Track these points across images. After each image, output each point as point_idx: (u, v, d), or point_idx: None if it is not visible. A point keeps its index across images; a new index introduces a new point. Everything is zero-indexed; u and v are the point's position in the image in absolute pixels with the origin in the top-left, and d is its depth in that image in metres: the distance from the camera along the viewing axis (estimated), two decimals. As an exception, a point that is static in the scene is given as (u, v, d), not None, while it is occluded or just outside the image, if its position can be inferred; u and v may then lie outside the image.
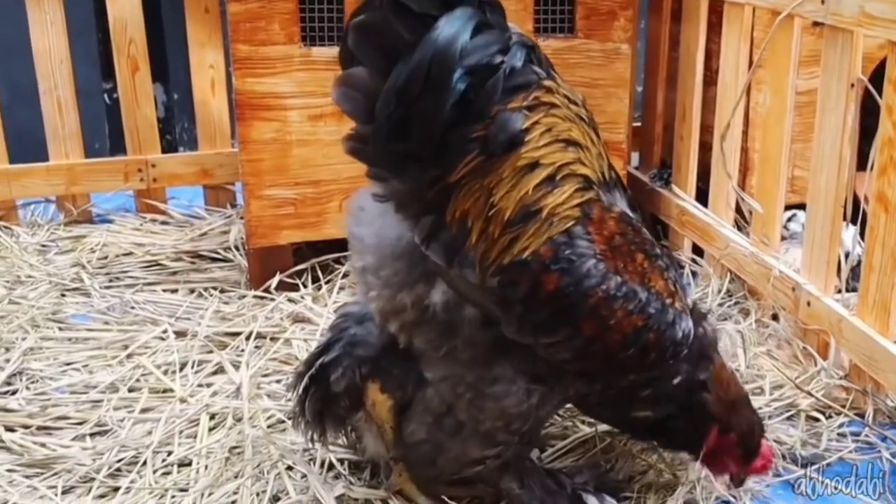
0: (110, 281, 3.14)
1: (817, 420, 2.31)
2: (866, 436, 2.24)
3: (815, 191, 2.47)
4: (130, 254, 3.31)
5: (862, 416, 2.30)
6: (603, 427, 2.23)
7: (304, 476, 2.14)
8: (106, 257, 3.28)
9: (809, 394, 2.35)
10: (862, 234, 2.40)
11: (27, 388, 2.51)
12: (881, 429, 2.25)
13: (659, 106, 3.48)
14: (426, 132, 1.65)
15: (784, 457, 2.20)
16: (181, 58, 4.12)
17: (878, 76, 2.30)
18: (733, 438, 1.94)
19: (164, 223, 3.60)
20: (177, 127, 4.46)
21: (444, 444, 1.90)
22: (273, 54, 2.83)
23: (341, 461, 2.20)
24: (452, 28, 1.61)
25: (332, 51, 2.81)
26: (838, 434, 2.27)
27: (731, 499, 2.09)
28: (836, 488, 2.10)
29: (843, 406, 2.33)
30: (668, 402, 1.91)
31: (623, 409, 1.96)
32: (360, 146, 1.73)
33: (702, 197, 3.13)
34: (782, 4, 2.50)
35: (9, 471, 2.18)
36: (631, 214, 1.84)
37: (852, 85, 2.32)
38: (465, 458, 1.91)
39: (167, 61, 4.26)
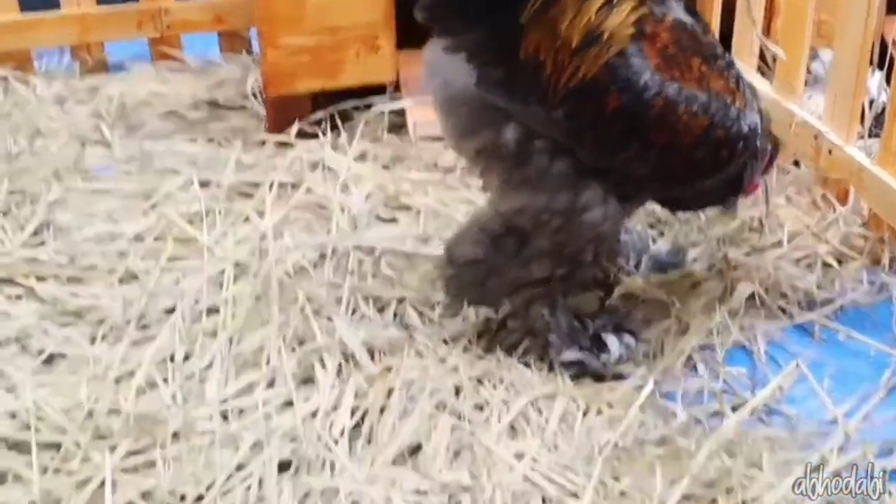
0: (129, 131, 3.17)
1: (833, 267, 2.37)
2: (882, 282, 2.29)
3: (842, 37, 2.46)
4: (147, 103, 3.33)
5: (878, 262, 2.35)
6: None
7: (330, 319, 2.22)
8: (124, 106, 3.30)
9: (826, 241, 2.39)
10: (888, 80, 2.40)
11: (55, 240, 2.58)
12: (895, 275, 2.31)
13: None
14: None
15: (800, 303, 2.27)
16: None
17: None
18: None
19: (179, 71, 3.60)
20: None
21: (501, 264, 2.01)
22: None
23: (367, 300, 2.29)
24: None
25: None
26: (854, 280, 2.33)
27: (746, 343, 2.17)
28: (849, 334, 2.18)
29: (860, 253, 2.38)
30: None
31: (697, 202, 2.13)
32: (437, 10, 1.87)
33: (724, 41, 3.10)
34: None
35: (42, 319, 2.27)
36: (686, 20, 1.90)
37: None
38: (524, 279, 2.02)
39: None
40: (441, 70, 1.94)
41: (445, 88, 1.95)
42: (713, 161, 1.90)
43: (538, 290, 2.05)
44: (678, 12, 1.91)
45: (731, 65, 1.92)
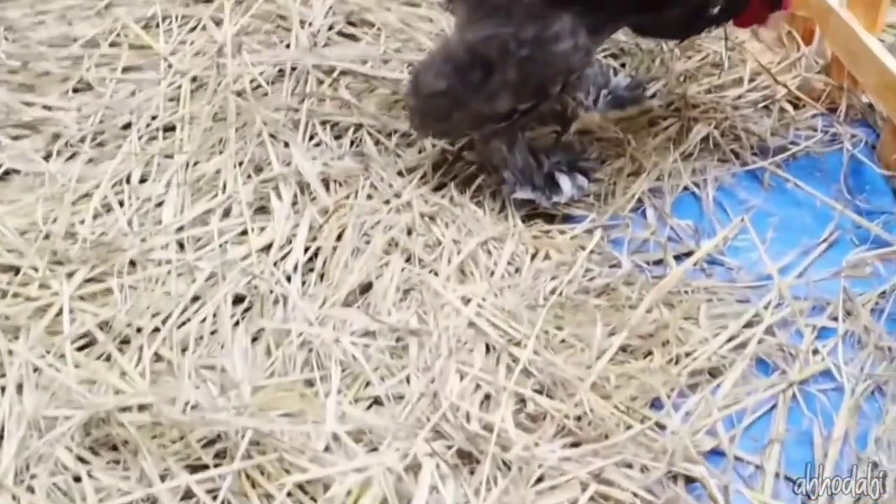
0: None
1: (788, 112, 2.37)
2: (835, 132, 2.31)
3: None
4: None
5: (834, 111, 2.37)
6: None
7: (286, 145, 2.23)
8: None
9: (785, 86, 2.39)
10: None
11: (6, 39, 2.52)
12: (850, 127, 2.32)
13: None
14: None
15: (753, 148, 2.29)
16: None
17: None
18: None
19: None
20: None
21: (465, 97, 2.00)
22: None
23: (325, 125, 2.29)
24: None
25: None
26: (808, 127, 2.35)
27: (696, 189, 2.21)
28: (796, 184, 2.22)
29: (818, 99, 2.39)
30: None
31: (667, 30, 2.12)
32: None
33: None
34: None
35: (-3, 129, 2.26)
36: None
37: None
38: (488, 112, 2.02)
39: None
40: None
41: None
42: None
43: (501, 124, 2.05)
44: None
45: None
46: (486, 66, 1.97)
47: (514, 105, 2.00)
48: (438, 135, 2.19)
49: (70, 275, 1.94)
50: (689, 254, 2.05)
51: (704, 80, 2.46)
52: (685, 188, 2.21)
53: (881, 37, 2.30)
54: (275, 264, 1.97)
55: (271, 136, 2.24)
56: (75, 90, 2.41)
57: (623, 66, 2.52)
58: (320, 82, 2.40)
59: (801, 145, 2.29)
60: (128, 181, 2.16)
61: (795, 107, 2.39)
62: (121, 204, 2.11)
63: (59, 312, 1.88)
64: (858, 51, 2.28)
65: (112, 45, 2.53)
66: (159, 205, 2.11)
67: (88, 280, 1.95)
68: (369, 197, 2.12)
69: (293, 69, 2.43)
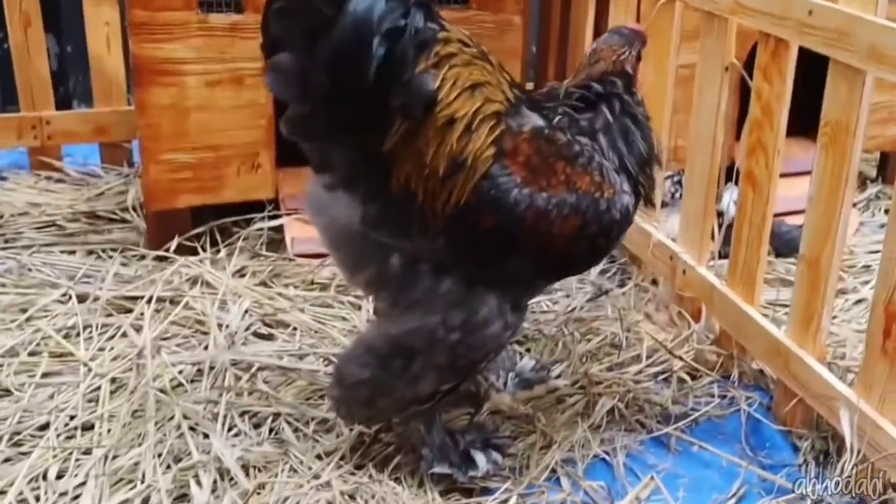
0: (5, 242, 3.18)
1: (687, 382, 2.52)
2: (731, 396, 2.45)
3: (692, 166, 2.66)
4: (26, 213, 3.35)
5: (728, 377, 2.52)
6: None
7: (206, 436, 2.27)
8: (1, 216, 3.31)
9: (681, 358, 2.55)
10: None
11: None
12: (744, 390, 2.47)
13: (550, 71, 3.63)
14: (355, 97, 1.85)
15: (657, 416, 2.41)
16: (75, 8, 4.12)
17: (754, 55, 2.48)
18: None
19: (59, 181, 3.63)
20: (71, 80, 4.45)
21: (389, 384, 2.07)
22: (171, 20, 2.89)
23: (243, 415, 2.34)
24: None
25: (230, 18, 2.95)
26: (707, 394, 2.49)
27: (606, 456, 2.29)
28: (701, 446, 2.32)
29: (712, 369, 2.55)
30: None
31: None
32: (299, 125, 1.93)
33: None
34: (665, -12, 2.67)
35: (-90, 436, 2.26)
36: (542, 124, 2.00)
37: (726, 68, 2.50)
38: (413, 396, 2.08)
39: (60, 11, 4.24)
40: (325, 208, 2.03)
41: (331, 227, 2.04)
42: (592, 251, 2.03)
43: (424, 406, 2.12)
44: (534, 119, 2.01)
45: (591, 158, 1.99)
46: (408, 353, 2.06)
47: (437, 387, 2.08)
48: (364, 421, 2.25)
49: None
50: (603, 517, 2.10)
51: (605, 359, 2.60)
52: (595, 456, 2.28)
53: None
54: (194, 549, 1.95)
55: (191, 428, 2.28)
56: (-7, 397, 2.44)
57: (528, 350, 2.66)
58: (238, 378, 2.48)
59: (702, 410, 2.42)
60: (44, 477, 2.15)
61: (692, 377, 2.54)
62: (37, 499, 2.09)
63: None
64: (742, 322, 2.47)
65: (31, 354, 2.59)
66: (76, 498, 2.10)
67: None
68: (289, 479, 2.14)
69: (212, 368, 2.51)
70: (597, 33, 3.24)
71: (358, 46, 1.81)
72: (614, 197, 1.98)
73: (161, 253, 3.05)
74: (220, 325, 2.68)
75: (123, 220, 3.33)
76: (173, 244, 3.06)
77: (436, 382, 2.07)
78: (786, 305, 2.52)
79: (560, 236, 1.94)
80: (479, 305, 1.99)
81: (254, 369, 2.50)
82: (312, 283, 2.92)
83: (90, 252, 3.14)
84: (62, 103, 3.83)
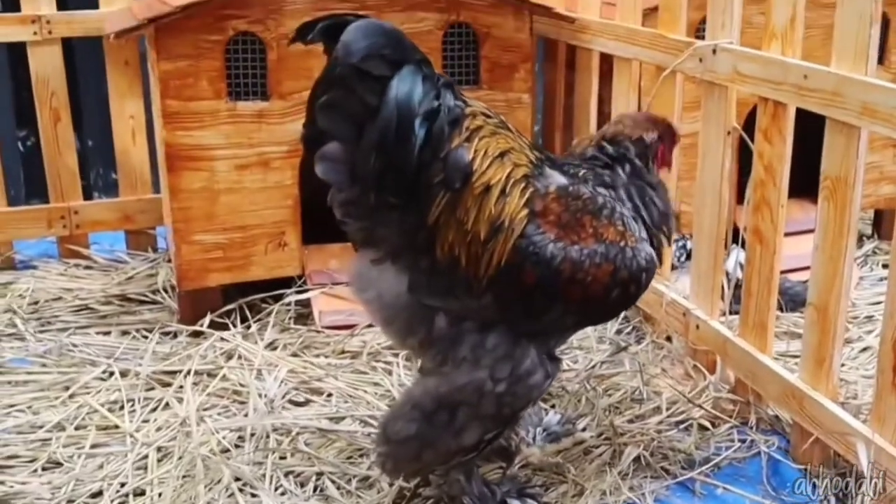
0: (43, 325, 3.32)
1: (708, 429, 2.65)
2: (750, 440, 2.58)
3: (699, 227, 2.82)
4: (60, 298, 3.50)
5: (746, 423, 2.65)
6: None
7: (255, 495, 2.38)
8: (37, 302, 3.46)
9: (700, 406, 2.69)
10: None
11: (-27, 430, 2.69)
12: (763, 434, 2.60)
13: (557, 147, 3.82)
14: (402, 177, 2.02)
15: (681, 462, 2.53)
16: (96, 105, 4.34)
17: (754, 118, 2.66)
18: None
19: (87, 268, 3.79)
20: (91, 173, 4.64)
21: (434, 437, 2.19)
22: (201, 109, 3.07)
23: (288, 475, 2.46)
24: (406, 84, 1.98)
25: (256, 105, 3.12)
26: (727, 439, 2.61)
27: (637, 501, 2.40)
28: (725, 488, 2.44)
29: (731, 416, 2.68)
30: None
31: None
32: (350, 208, 2.10)
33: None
34: (666, 61, 2.85)
35: (-30, 509, 2.37)
36: (565, 182, 2.18)
37: (728, 133, 2.69)
38: (457, 447, 2.20)
39: (81, 107, 4.44)
40: (373, 283, 2.18)
41: (380, 300, 2.18)
42: (625, 296, 2.16)
43: (468, 455, 2.24)
44: (557, 178, 2.19)
45: (613, 210, 2.17)
46: (452, 407, 2.18)
47: (481, 436, 2.21)
48: (410, 475, 2.36)
49: None
50: (638, 558, 2.21)
51: (627, 412, 2.73)
52: (626, 502, 2.40)
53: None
54: None
55: (240, 489, 2.40)
56: (44, 469, 2.55)
57: (553, 406, 2.78)
58: (279, 442, 2.60)
59: (723, 455, 2.54)
60: (103, 540, 2.26)
61: (712, 424, 2.66)
62: (98, 561, 2.20)
63: None
64: (757, 370, 2.61)
65: (78, 427, 2.71)
66: (135, 559, 2.21)
67: None
68: (337, 532, 2.26)
69: (253, 434, 2.63)
70: (600, 108, 3.45)
71: (402, 130, 1.98)
72: (637, 245, 2.15)
73: (195, 328, 3.19)
74: (258, 395, 2.80)
75: (154, 301, 3.47)
76: (206, 321, 3.20)
77: (480, 432, 2.19)
78: (796, 356, 2.67)
79: (595, 283, 2.09)
80: (523, 357, 2.14)
81: (294, 433, 2.63)
82: (343, 351, 3.06)
83: (124, 332, 3.27)
84: (84, 196, 4.00)
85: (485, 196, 2.07)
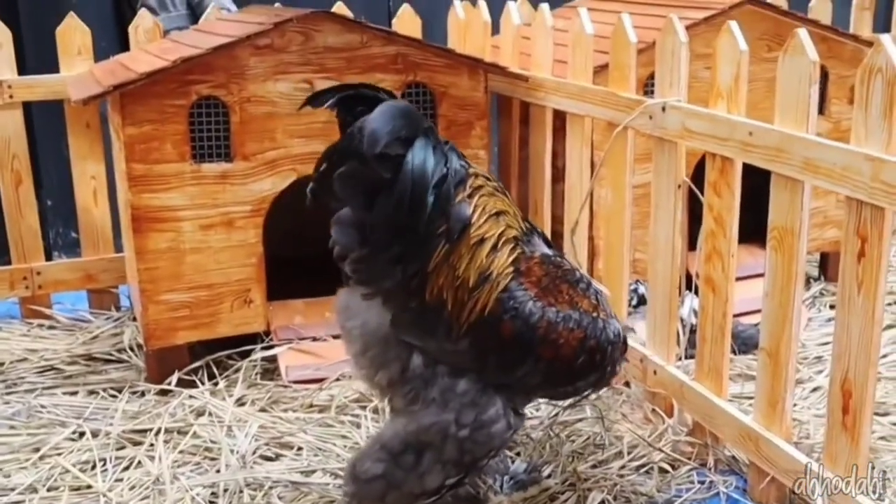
0: (9, 387, 3.36)
1: (668, 472, 2.76)
2: (710, 481, 2.69)
3: (654, 275, 2.95)
4: (25, 360, 3.53)
5: (705, 464, 2.76)
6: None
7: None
8: (2, 364, 3.49)
9: (660, 450, 2.80)
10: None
11: (-53, 495, 2.71)
12: (721, 475, 2.72)
13: (513, 197, 3.93)
14: (411, 241, 2.17)
15: (643, 506, 2.64)
16: (55, 165, 4.39)
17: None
18: None
19: (51, 328, 3.83)
20: (51, 232, 4.68)
21: (400, 479, 2.30)
22: (166, 171, 3.15)
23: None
24: (420, 157, 2.14)
25: (220, 166, 3.20)
26: (687, 481, 2.72)
27: (605, 545, 2.50)
28: (687, 529, 2.55)
29: (690, 458, 2.79)
30: None
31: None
32: (361, 266, 2.23)
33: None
34: (617, 118, 2.99)
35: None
36: (549, 252, 2.37)
37: (679, 186, 2.82)
38: (420, 490, 2.31)
39: (40, 168, 4.48)
40: (359, 313, 2.31)
41: (363, 328, 2.30)
42: (590, 364, 2.30)
43: (429, 499, 2.34)
44: (542, 247, 2.37)
45: (589, 284, 2.35)
46: (419, 449, 2.30)
47: (443, 481, 2.32)
48: None
49: None
50: None
51: (590, 457, 2.83)
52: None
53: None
54: None
55: (217, 546, 2.46)
56: (17, 533, 2.59)
57: (518, 454, 2.87)
58: (253, 497, 2.66)
59: (684, 496, 2.65)
60: None
61: (672, 467, 2.77)
62: None
63: None
64: (713, 413, 2.73)
65: (50, 489, 2.75)
66: None
67: None
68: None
69: (226, 490, 2.69)
70: (554, 161, 3.57)
71: (416, 200, 2.14)
72: (608, 319, 2.33)
73: (163, 386, 3.24)
74: (229, 450, 2.86)
75: (120, 360, 3.52)
76: (174, 379, 3.25)
77: (442, 477, 2.30)
78: (750, 398, 2.79)
79: (566, 346, 2.25)
80: (488, 405, 2.26)
81: (267, 487, 2.69)
82: (311, 406, 3.13)
83: (92, 392, 3.31)
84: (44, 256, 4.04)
85: (478, 247, 2.22)
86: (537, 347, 2.24)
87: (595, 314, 2.30)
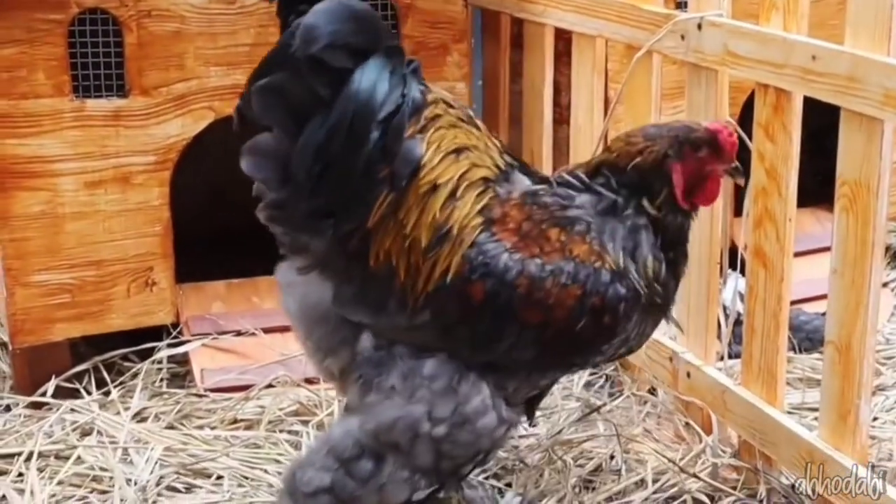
0: None
1: (706, 505, 2.78)
2: (761, 520, 2.73)
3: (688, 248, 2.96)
4: None
5: (754, 495, 2.78)
6: None
7: None
8: None
9: (696, 476, 2.81)
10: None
11: None
12: (776, 511, 2.75)
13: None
14: (345, 185, 2.17)
15: (675, 548, 2.66)
16: None
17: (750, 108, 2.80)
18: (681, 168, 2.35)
19: None
20: None
21: (351, 492, 2.30)
22: (38, 109, 3.15)
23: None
24: (369, 81, 2.14)
25: (111, 103, 3.18)
26: (731, 518, 2.75)
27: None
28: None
29: (734, 487, 2.80)
30: None
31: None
32: (278, 212, 2.24)
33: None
34: (639, 38, 2.99)
35: None
36: (535, 188, 2.33)
37: (720, 128, 2.83)
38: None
39: None
40: (297, 291, 2.33)
41: (302, 308, 2.33)
42: (597, 330, 2.26)
43: None
44: (525, 183, 2.34)
45: (589, 227, 2.28)
46: (378, 454, 2.30)
47: (409, 496, 2.32)
48: None
49: None
50: None
51: (603, 488, 2.84)
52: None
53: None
54: None
55: None
56: None
57: (508, 485, 2.89)
58: (156, 542, 2.68)
59: (728, 543, 2.67)
60: None
61: (711, 499, 2.78)
62: None
63: None
64: (765, 427, 2.74)
65: None
66: None
67: None
68: None
69: (120, 533, 2.70)
70: (556, 98, 3.58)
71: (356, 132, 2.14)
72: (616, 269, 2.25)
73: (36, 399, 3.23)
74: (125, 480, 2.86)
75: (-21, 365, 3.52)
76: (50, 387, 3.25)
77: (408, 490, 2.31)
78: (815, 409, 2.81)
79: (559, 306, 2.22)
80: (471, 394, 2.26)
81: (175, 530, 2.71)
82: (235, 421, 3.13)
83: (-60, 405, 3.31)
84: None
85: (431, 196, 2.22)
86: (519, 311, 2.22)
87: (598, 263, 2.25)
